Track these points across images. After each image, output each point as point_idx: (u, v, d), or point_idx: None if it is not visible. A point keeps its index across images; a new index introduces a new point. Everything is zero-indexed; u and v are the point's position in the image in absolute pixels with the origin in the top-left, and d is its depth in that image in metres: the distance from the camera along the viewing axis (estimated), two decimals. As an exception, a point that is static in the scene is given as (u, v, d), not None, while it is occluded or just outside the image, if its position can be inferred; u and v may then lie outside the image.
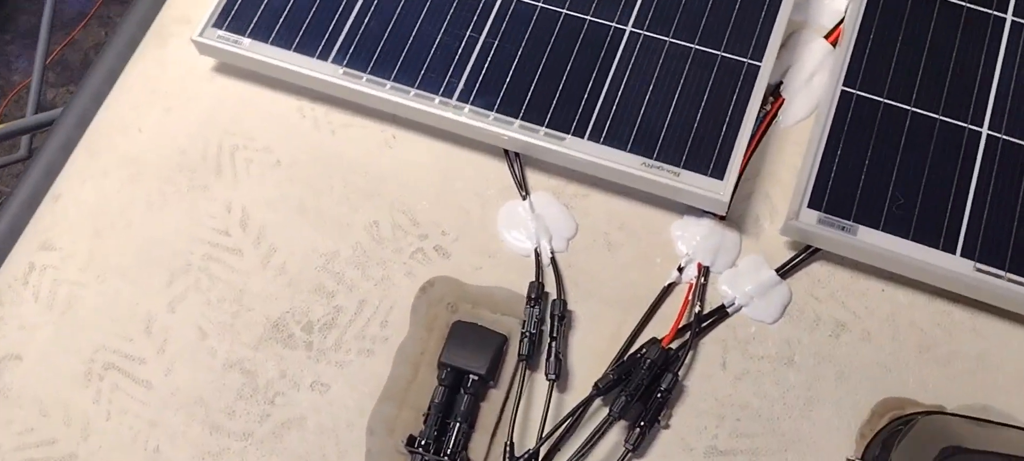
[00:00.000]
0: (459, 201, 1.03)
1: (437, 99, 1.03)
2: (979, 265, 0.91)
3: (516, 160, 1.04)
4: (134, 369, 0.97)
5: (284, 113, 1.09)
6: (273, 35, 1.07)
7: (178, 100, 1.11)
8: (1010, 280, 0.90)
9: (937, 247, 0.91)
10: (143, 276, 1.01)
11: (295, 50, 1.06)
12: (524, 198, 1.02)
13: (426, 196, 1.03)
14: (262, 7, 1.09)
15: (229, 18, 1.08)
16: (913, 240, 0.92)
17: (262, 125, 1.09)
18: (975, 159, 0.95)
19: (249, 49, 1.07)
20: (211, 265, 1.01)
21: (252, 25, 1.08)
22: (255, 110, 1.10)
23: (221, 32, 1.08)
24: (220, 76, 1.12)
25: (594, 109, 1.00)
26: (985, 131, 0.96)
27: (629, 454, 0.91)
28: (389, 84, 1.04)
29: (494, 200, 1.03)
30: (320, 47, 1.06)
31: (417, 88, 1.03)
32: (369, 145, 1.07)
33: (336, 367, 0.96)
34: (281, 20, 1.08)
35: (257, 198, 1.04)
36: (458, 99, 1.02)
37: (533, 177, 1.04)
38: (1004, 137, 0.96)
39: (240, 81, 1.11)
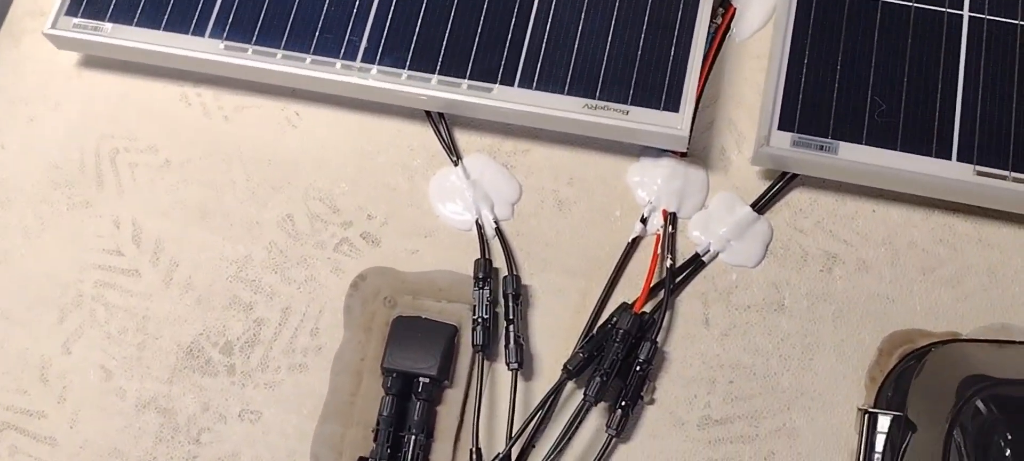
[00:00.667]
0: (382, 178, 0.95)
1: (338, 63, 0.94)
2: (979, 168, 0.85)
3: (441, 121, 0.97)
4: (33, 426, 0.90)
5: (166, 104, 1.00)
6: (138, 15, 0.98)
7: (42, 106, 1.03)
8: (1015, 180, 0.84)
9: (930, 154, 0.85)
10: (29, 316, 0.94)
11: (165, 29, 0.97)
12: (456, 164, 0.95)
13: (344, 177, 0.95)
14: (121, -16, 1.00)
15: (84, 2, 0.99)
16: (902, 150, 0.85)
17: (143, 121, 1.00)
18: (959, 47, 0.89)
19: (112, 35, 0.98)
20: (106, 293, 0.93)
21: (112, 7, 0.99)
22: (132, 105, 1.01)
23: (77, 20, 0.98)
24: (87, 71, 1.03)
25: (521, 51, 0.93)
26: (966, 13, 0.90)
27: (613, 440, 0.84)
28: (280, 53, 0.95)
29: (422, 171, 0.95)
30: (194, 21, 0.97)
31: (313, 53, 0.95)
32: (269, 127, 0.98)
33: (266, 390, 0.89)
34: (145, -4, 0.99)
35: (149, 207, 0.96)
36: (363, 60, 0.94)
37: (463, 138, 0.96)
38: (988, 17, 0.89)
39: (110, 74, 1.02)
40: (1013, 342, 0.82)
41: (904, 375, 0.81)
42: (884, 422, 0.79)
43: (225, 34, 0.95)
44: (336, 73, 0.93)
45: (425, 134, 0.96)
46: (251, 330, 0.90)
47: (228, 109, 0.98)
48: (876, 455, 0.78)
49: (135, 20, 0.97)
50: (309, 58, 0.94)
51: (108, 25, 0.97)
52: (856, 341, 0.86)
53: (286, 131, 0.97)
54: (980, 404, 0.71)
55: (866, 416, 0.80)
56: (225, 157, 0.96)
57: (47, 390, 0.90)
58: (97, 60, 1.02)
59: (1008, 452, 0.68)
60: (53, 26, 0.97)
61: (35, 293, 0.94)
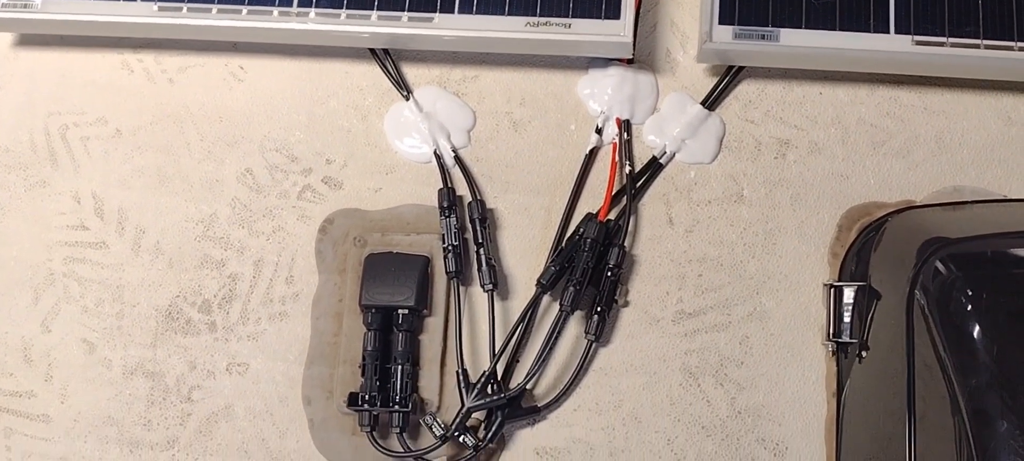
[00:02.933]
0: (336, 121, 0.95)
1: (275, 11, 0.93)
2: (917, 38, 0.85)
3: (387, 58, 0.96)
4: (25, 406, 0.90)
5: (109, 73, 0.98)
6: (68, -14, 0.95)
7: (-17, 92, 1.00)
8: (953, 45, 0.85)
9: (869, 30, 0.86)
10: (3, 301, 0.93)
11: (98, -2, 0.94)
12: (407, 98, 0.94)
13: (297, 126, 0.95)
14: (47, -43, 0.96)
15: (10, -20, 0.96)
16: (841, 30, 0.86)
17: (88, 94, 0.98)
18: (889, -80, 0.89)
19: (44, 10, 0.95)
20: (77, 268, 0.93)
21: (42, -18, 0.95)
22: (75, 79, 0.99)
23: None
24: (24, 51, 1.01)
25: (460, -24, 0.92)
26: None
27: (593, 345, 0.86)
28: (215, 7, 0.93)
29: (375, 110, 0.95)
30: (127, -14, 0.95)
31: (249, 4, 0.93)
32: (215, 85, 0.97)
33: (250, 341, 0.90)
34: (73, -34, 0.96)
35: (107, 179, 0.95)
36: (300, 5, 0.92)
37: (411, 72, 0.96)
38: None
39: (48, 50, 1.00)
40: (965, 203, 0.84)
41: (864, 247, 0.83)
42: (849, 293, 0.81)
43: (159, -6, 0.93)
44: (274, 21, 0.91)
45: (373, 72, 0.95)
46: (226, 286, 0.90)
47: (171, 71, 0.97)
48: (844, 325, 0.81)
49: (66, -8, 0.94)
50: (245, 9, 0.92)
51: (38, 1, 0.94)
52: (816, 221, 0.87)
53: (233, 86, 0.96)
54: (939, 265, 0.73)
55: (832, 290, 0.83)
56: (175, 120, 0.95)
57: (32, 370, 0.90)
58: (33, 38, 0.99)
59: (970, 307, 0.70)
60: (-19, 8, 0.94)
61: (5, 278, 0.93)
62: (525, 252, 0.89)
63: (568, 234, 0.88)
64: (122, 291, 0.91)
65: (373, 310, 0.86)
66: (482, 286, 0.86)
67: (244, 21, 0.92)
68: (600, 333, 0.85)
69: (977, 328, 0.69)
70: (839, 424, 0.81)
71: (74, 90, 0.97)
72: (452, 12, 0.90)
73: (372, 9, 0.91)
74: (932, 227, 0.80)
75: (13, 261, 0.93)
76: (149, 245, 0.92)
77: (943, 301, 0.72)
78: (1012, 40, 0.84)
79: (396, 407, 0.84)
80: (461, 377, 0.84)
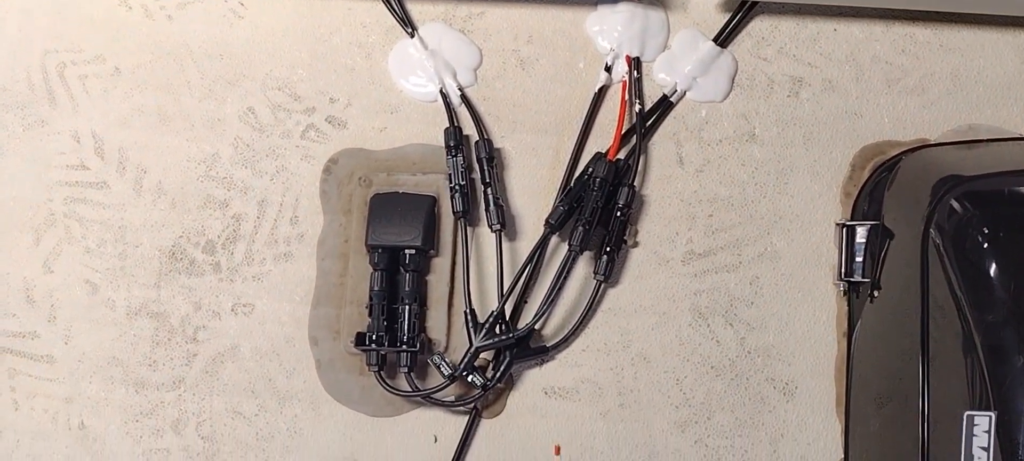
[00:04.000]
0: (339, 59, 0.93)
1: None
2: None
3: None
4: (28, 347, 0.90)
5: (106, 10, 0.96)
6: (65, -80, 0.92)
7: (-22, 30, 0.99)
8: None
9: None
10: (4, 242, 0.92)
11: (95, -70, 0.92)
12: (412, 35, 0.93)
13: (300, 63, 0.93)
14: None
15: (6, -86, 0.92)
16: None
17: (85, 32, 0.96)
18: None
19: None
20: (78, 208, 0.92)
21: (36, -86, 0.92)
22: (72, 16, 0.97)
23: (0, -66, 0.92)
24: None
25: (467, -93, 0.90)
26: None
27: (602, 285, 0.86)
28: None
29: (379, 47, 0.93)
30: (124, -83, 0.92)
31: None
32: (215, 22, 0.95)
33: (255, 282, 0.89)
34: (71, -101, 0.93)
35: (107, 119, 0.94)
36: None
37: (416, 9, 0.94)
38: None
39: None
40: (981, 141, 0.83)
41: (878, 186, 0.83)
42: (862, 232, 0.81)
43: (160, -72, 0.91)
44: (279, -45, 0.90)
45: (376, 9, 0.93)
46: (230, 227, 0.90)
47: (170, 8, 0.95)
48: (856, 265, 0.81)
49: (63, -75, 0.92)
50: (249, -58, 0.90)
51: (35, -66, 0.92)
52: (828, 160, 0.87)
53: (233, 23, 0.94)
54: (954, 203, 0.72)
55: (844, 229, 0.82)
56: (175, 58, 0.93)
57: (35, 311, 0.90)
58: (28, -27, 0.98)
59: (986, 245, 0.70)
60: (-24, -58, 0.92)
61: (5, 219, 0.92)
62: (533, 193, 0.88)
63: (577, 174, 0.87)
64: (124, 232, 0.90)
65: (379, 250, 0.86)
66: (490, 226, 0.86)
67: (244, -45, 0.90)
68: (609, 273, 0.84)
69: (994, 266, 0.69)
70: (849, 364, 0.81)
71: (71, 27, 0.95)
72: (456, -54, 0.88)
73: (374, -57, 0.89)
74: (947, 165, 0.80)
75: (12, 201, 0.92)
76: (151, 185, 0.91)
77: (959, 239, 0.72)
78: (1031, -25, 0.83)
79: (404, 347, 0.84)
80: (469, 317, 0.84)
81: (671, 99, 0.89)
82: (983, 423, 0.63)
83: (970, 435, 0.64)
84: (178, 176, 0.91)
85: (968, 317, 0.68)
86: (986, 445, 0.63)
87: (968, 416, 0.65)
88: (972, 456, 0.63)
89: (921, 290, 0.73)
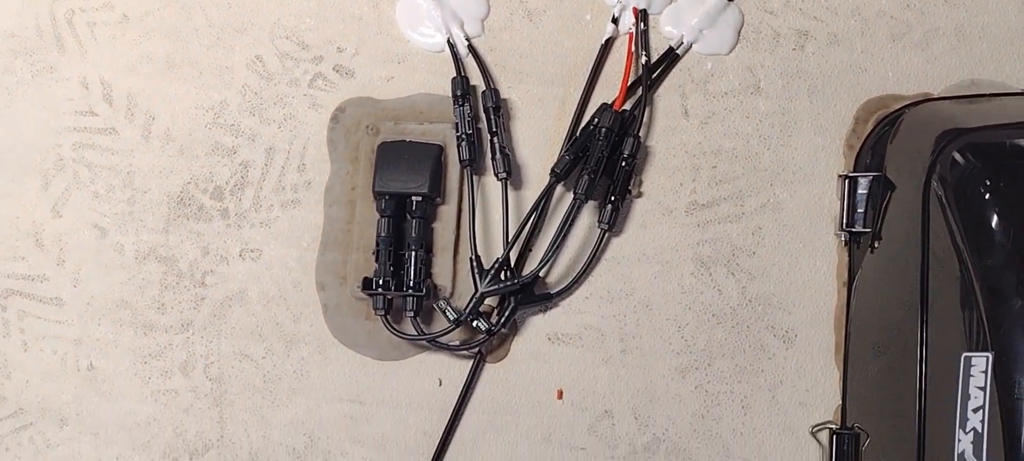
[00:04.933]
0: (347, 8, 0.93)
1: None
2: None
3: None
4: (37, 289, 0.91)
5: None
6: None
7: (-14, -24, 0.98)
8: None
9: None
10: (13, 186, 0.93)
11: None
12: None
13: (307, 13, 0.94)
14: None
15: None
16: None
17: None
18: None
19: None
20: (86, 153, 0.92)
21: None
22: None
23: None
24: None
25: None
26: None
27: (606, 234, 0.87)
28: None
29: None
30: None
31: None
32: None
33: (262, 228, 0.90)
34: None
35: (115, 65, 0.94)
36: None
37: None
38: None
39: None
40: (983, 95, 0.84)
41: (881, 139, 0.83)
42: (864, 183, 0.81)
43: None
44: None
45: (384, -44, 0.94)
46: (238, 173, 0.90)
47: (179, -44, 0.95)
48: (858, 215, 0.81)
49: None
50: None
51: None
52: (832, 113, 0.87)
53: (242, -29, 0.95)
54: (957, 154, 0.73)
55: (846, 181, 0.83)
56: (183, 5, 0.94)
57: (44, 254, 0.90)
58: (37, -82, 0.97)
59: (988, 196, 0.70)
60: None
61: (15, 163, 0.92)
62: (539, 143, 0.89)
63: (582, 125, 0.88)
64: (132, 177, 0.91)
65: (387, 197, 0.86)
66: (496, 174, 0.86)
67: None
68: (613, 223, 0.85)
69: (995, 217, 0.70)
70: (849, 312, 0.82)
71: (79, -27, 0.96)
72: None
73: None
74: (950, 118, 0.80)
75: (22, 146, 0.92)
76: (159, 132, 0.91)
77: (960, 190, 0.72)
78: (1037, -69, 0.83)
79: (410, 292, 0.84)
80: (474, 264, 0.85)
81: (677, 51, 0.89)
82: (980, 363, 0.64)
83: (967, 376, 0.65)
84: (186, 123, 0.91)
85: (968, 264, 0.68)
86: (983, 385, 0.64)
87: (966, 357, 0.66)
88: (969, 396, 0.64)
89: (922, 240, 0.73)
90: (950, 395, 0.66)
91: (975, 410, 0.64)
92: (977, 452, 0.64)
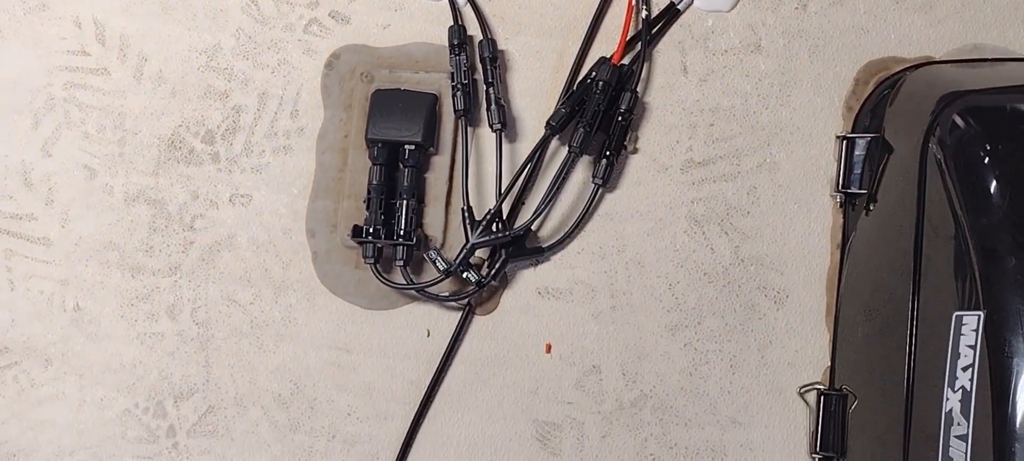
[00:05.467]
0: None
1: None
2: None
3: None
4: (25, 229, 0.90)
5: None
6: None
7: (-22, -87, 0.97)
8: None
9: None
10: (2, 125, 0.92)
11: None
12: None
13: None
14: None
15: None
16: None
17: None
18: None
19: None
20: (77, 93, 0.92)
21: None
22: None
23: None
24: None
25: None
26: None
27: (600, 189, 0.86)
28: None
29: None
30: None
31: None
32: None
33: (253, 173, 0.89)
34: None
35: (108, 5, 0.93)
36: None
37: None
38: None
39: None
40: (985, 60, 0.83)
41: (880, 101, 0.83)
42: (861, 145, 0.81)
43: None
44: None
45: (385, -96, 0.92)
46: (230, 118, 0.89)
47: None
48: (854, 177, 0.81)
49: None
50: None
51: None
52: (832, 74, 0.87)
53: (239, -87, 0.93)
54: (957, 118, 0.72)
55: (843, 142, 0.82)
56: (179, -54, 0.93)
57: (33, 194, 0.90)
58: None
59: (987, 160, 0.70)
60: None
61: (4, 101, 0.91)
62: (535, 95, 0.88)
63: (580, 78, 0.87)
64: (124, 118, 0.90)
65: (379, 145, 0.86)
66: (490, 126, 0.85)
67: None
68: (608, 178, 0.85)
69: (994, 182, 0.69)
70: (841, 275, 0.81)
71: (74, -89, 0.94)
72: None
73: None
74: (950, 82, 0.79)
75: (12, 84, 0.91)
76: (151, 73, 0.90)
77: (959, 153, 0.71)
78: None
79: (400, 241, 0.84)
80: (466, 214, 0.84)
81: (678, 7, 0.88)
82: (971, 322, 0.64)
83: (958, 334, 0.64)
84: (179, 65, 0.91)
85: (963, 226, 0.68)
86: (973, 343, 0.63)
87: (957, 316, 0.65)
88: (959, 354, 0.64)
89: (917, 203, 0.73)
90: (940, 354, 0.66)
91: (965, 368, 0.64)
92: (965, 410, 0.63)
